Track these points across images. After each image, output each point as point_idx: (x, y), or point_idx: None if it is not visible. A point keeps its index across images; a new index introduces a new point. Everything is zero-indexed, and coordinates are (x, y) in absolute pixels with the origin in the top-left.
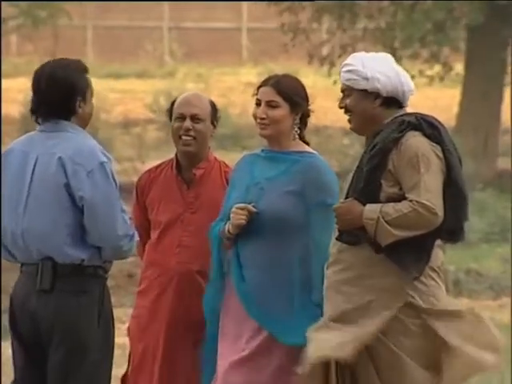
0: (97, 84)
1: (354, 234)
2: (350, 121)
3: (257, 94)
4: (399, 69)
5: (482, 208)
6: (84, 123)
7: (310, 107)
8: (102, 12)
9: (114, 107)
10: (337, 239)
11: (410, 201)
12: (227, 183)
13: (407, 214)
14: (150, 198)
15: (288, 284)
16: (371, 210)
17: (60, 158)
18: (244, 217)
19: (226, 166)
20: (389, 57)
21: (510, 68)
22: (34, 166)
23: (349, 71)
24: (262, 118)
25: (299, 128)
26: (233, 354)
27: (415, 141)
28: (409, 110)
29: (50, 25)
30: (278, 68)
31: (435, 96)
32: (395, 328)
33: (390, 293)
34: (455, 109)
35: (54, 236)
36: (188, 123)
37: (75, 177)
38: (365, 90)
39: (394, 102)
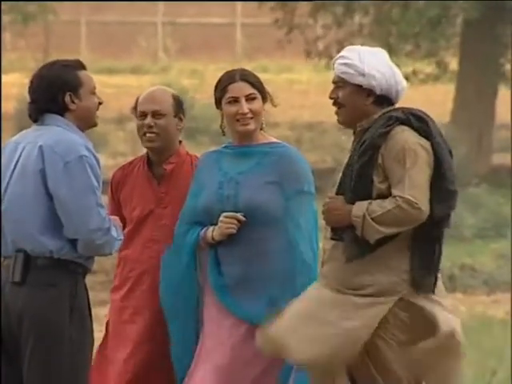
0: None
1: (341, 232)
2: (337, 113)
3: (223, 94)
4: (394, 67)
5: (476, 203)
6: (84, 120)
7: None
8: (96, 7)
9: (108, 103)
10: (331, 239)
11: (394, 197)
12: None
13: (391, 210)
14: (123, 194)
15: (271, 273)
16: (358, 207)
17: (41, 146)
18: (234, 225)
19: (198, 159)
20: (384, 53)
21: (505, 63)
22: (20, 154)
23: (345, 64)
24: (245, 114)
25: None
26: (216, 347)
27: (403, 135)
28: (397, 105)
29: (41, 21)
30: (273, 64)
31: (429, 92)
32: (391, 322)
33: (388, 286)
34: (449, 104)
35: (26, 222)
36: (149, 120)
37: (51, 165)
38: (359, 86)
39: (386, 100)
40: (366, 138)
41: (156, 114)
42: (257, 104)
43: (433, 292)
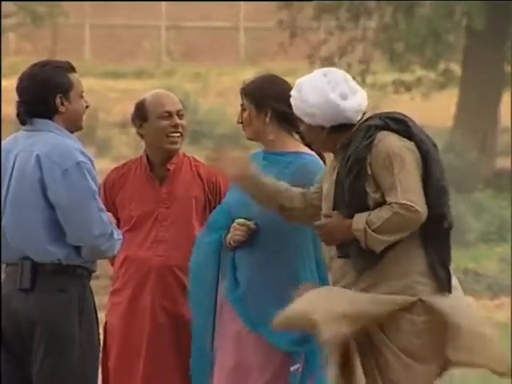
0: (95, 83)
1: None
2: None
3: None
4: (339, 91)
5: (479, 208)
6: (71, 123)
7: (285, 108)
8: (100, 11)
9: (112, 107)
10: (339, 257)
11: (389, 204)
12: (199, 177)
13: (389, 219)
14: (120, 196)
15: (281, 284)
16: (358, 220)
17: (37, 155)
18: (243, 233)
19: (196, 160)
20: (327, 79)
21: (508, 67)
22: (14, 162)
23: (294, 105)
24: (240, 122)
25: (289, 128)
26: (226, 357)
27: (385, 141)
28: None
29: (49, 22)
30: (276, 67)
31: (432, 97)
32: (406, 329)
33: (403, 290)
34: (453, 109)
35: (30, 233)
36: (177, 120)
37: (50, 174)
38: (309, 124)
39: (341, 126)
40: (351, 153)
41: (179, 114)
42: (245, 115)
43: (450, 291)
